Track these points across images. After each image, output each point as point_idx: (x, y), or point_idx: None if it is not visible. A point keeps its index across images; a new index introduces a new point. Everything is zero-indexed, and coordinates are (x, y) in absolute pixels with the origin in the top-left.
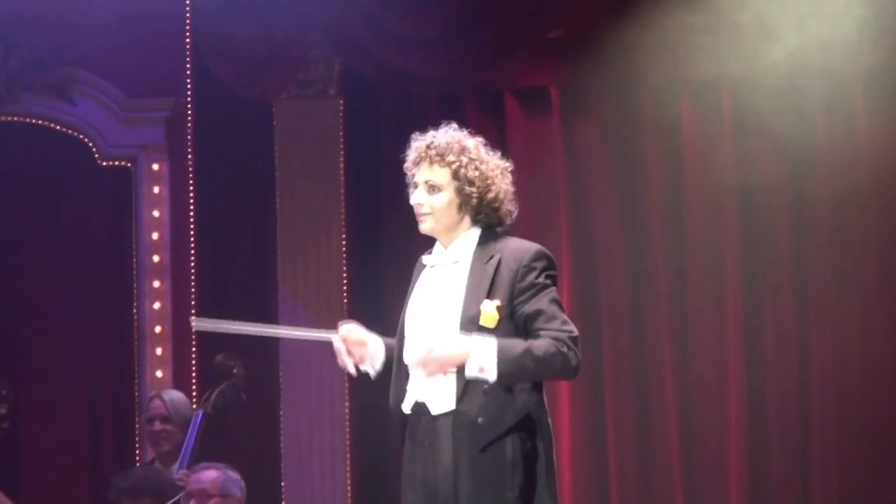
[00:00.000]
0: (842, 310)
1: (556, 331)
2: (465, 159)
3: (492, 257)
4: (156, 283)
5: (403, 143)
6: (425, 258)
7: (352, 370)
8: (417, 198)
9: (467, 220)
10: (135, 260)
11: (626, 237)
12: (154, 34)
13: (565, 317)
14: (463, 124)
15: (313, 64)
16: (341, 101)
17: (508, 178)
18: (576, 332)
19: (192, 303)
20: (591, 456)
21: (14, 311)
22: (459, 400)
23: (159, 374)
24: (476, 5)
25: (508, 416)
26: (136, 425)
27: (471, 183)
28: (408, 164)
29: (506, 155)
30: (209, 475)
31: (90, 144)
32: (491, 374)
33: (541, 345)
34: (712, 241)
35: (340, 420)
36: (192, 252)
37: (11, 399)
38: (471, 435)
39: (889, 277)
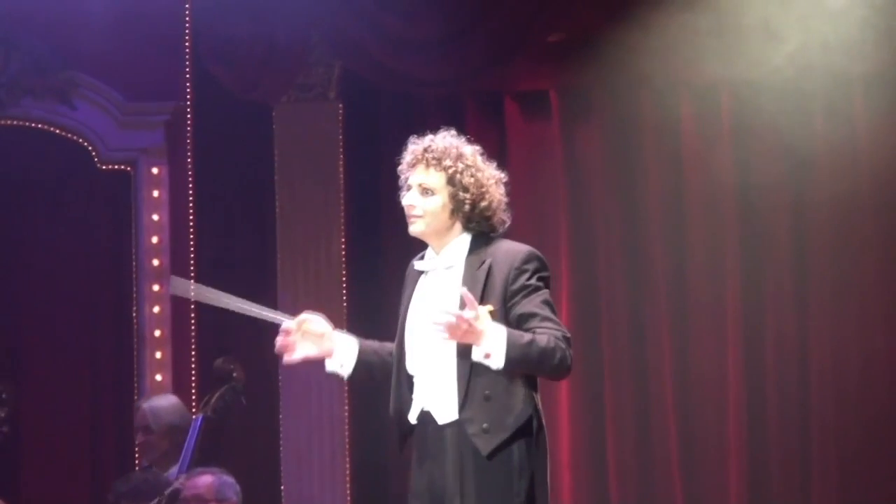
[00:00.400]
0: (841, 310)
1: (552, 330)
2: (461, 165)
3: (483, 262)
4: (155, 287)
5: (403, 147)
6: (418, 264)
7: (292, 358)
8: (410, 199)
9: (458, 225)
10: (134, 263)
11: (626, 240)
12: (154, 38)
13: (557, 319)
14: (463, 128)
15: (313, 67)
16: (341, 105)
17: (503, 188)
18: (569, 334)
19: (191, 305)
20: (590, 456)
21: (14, 314)
22: (461, 408)
23: (159, 377)
24: (476, 9)
25: (511, 421)
26: None
27: (465, 189)
28: (402, 166)
29: (505, 158)
30: (204, 480)
31: (90, 148)
32: (498, 361)
33: (542, 338)
34: (712, 242)
35: (340, 423)
36: (192, 256)
37: (11, 402)
38: (477, 442)
39: (888, 278)
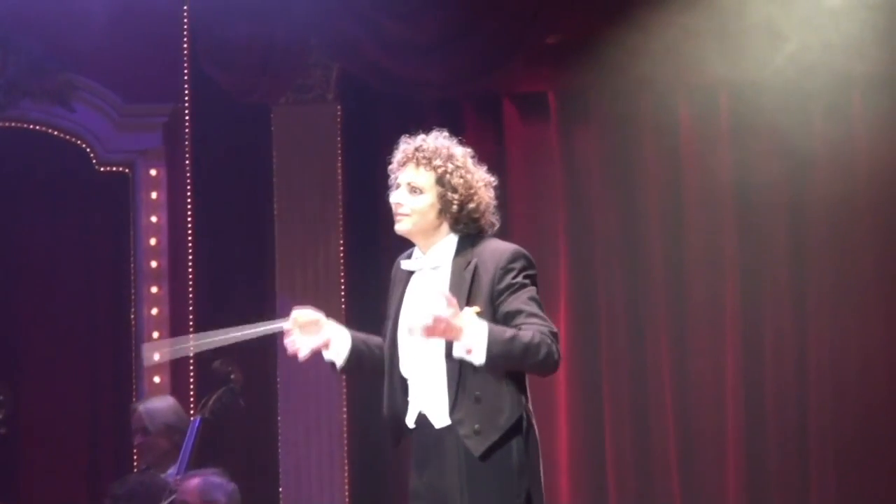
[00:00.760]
0: (839, 308)
1: (537, 325)
2: (451, 166)
3: (469, 263)
4: (154, 289)
5: (396, 147)
6: (405, 263)
7: (303, 354)
8: (398, 197)
9: (445, 226)
10: (133, 265)
11: (625, 241)
12: (152, 40)
13: (544, 315)
14: (461, 130)
15: (311, 69)
16: (339, 107)
17: (492, 191)
18: (556, 329)
19: (190, 308)
20: (588, 456)
21: (13, 315)
22: (452, 409)
23: (157, 379)
24: (474, 11)
25: (502, 421)
26: None
27: (454, 190)
28: (392, 165)
29: (504, 160)
30: (190, 484)
31: (88, 150)
32: (479, 357)
33: (526, 334)
34: (710, 242)
35: (338, 425)
36: (190, 257)
37: (10, 403)
38: (469, 444)
39: (886, 276)
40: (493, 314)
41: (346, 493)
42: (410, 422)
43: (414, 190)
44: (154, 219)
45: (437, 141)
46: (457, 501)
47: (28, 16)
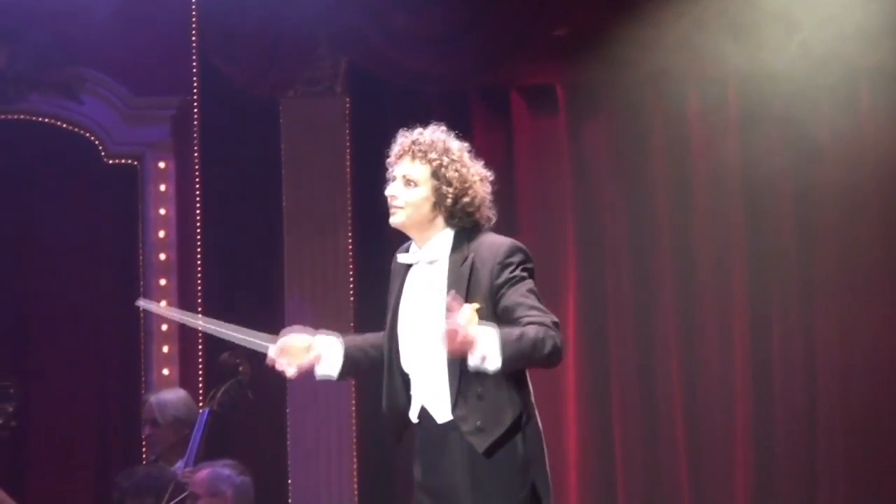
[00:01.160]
0: (848, 300)
1: (539, 318)
2: (447, 159)
3: (466, 258)
4: (162, 281)
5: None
6: (401, 256)
7: (290, 374)
8: (392, 190)
9: (440, 220)
10: (141, 258)
11: (633, 233)
12: (160, 32)
13: (543, 306)
14: (469, 123)
15: (320, 62)
16: (347, 99)
17: (488, 186)
18: (556, 318)
19: (199, 300)
20: (597, 454)
21: (21, 309)
22: (454, 406)
23: (166, 371)
24: (482, 3)
25: (506, 416)
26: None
27: (449, 183)
28: (390, 159)
29: (512, 153)
30: (198, 476)
31: (97, 143)
32: (494, 363)
33: (530, 330)
34: (719, 235)
35: (347, 417)
36: (199, 250)
37: (19, 397)
38: (472, 440)
39: (893, 265)
40: (493, 309)
41: (355, 485)
42: (414, 416)
43: (409, 183)
44: (162, 211)
45: (434, 134)
46: (462, 495)
47: (36, 9)
